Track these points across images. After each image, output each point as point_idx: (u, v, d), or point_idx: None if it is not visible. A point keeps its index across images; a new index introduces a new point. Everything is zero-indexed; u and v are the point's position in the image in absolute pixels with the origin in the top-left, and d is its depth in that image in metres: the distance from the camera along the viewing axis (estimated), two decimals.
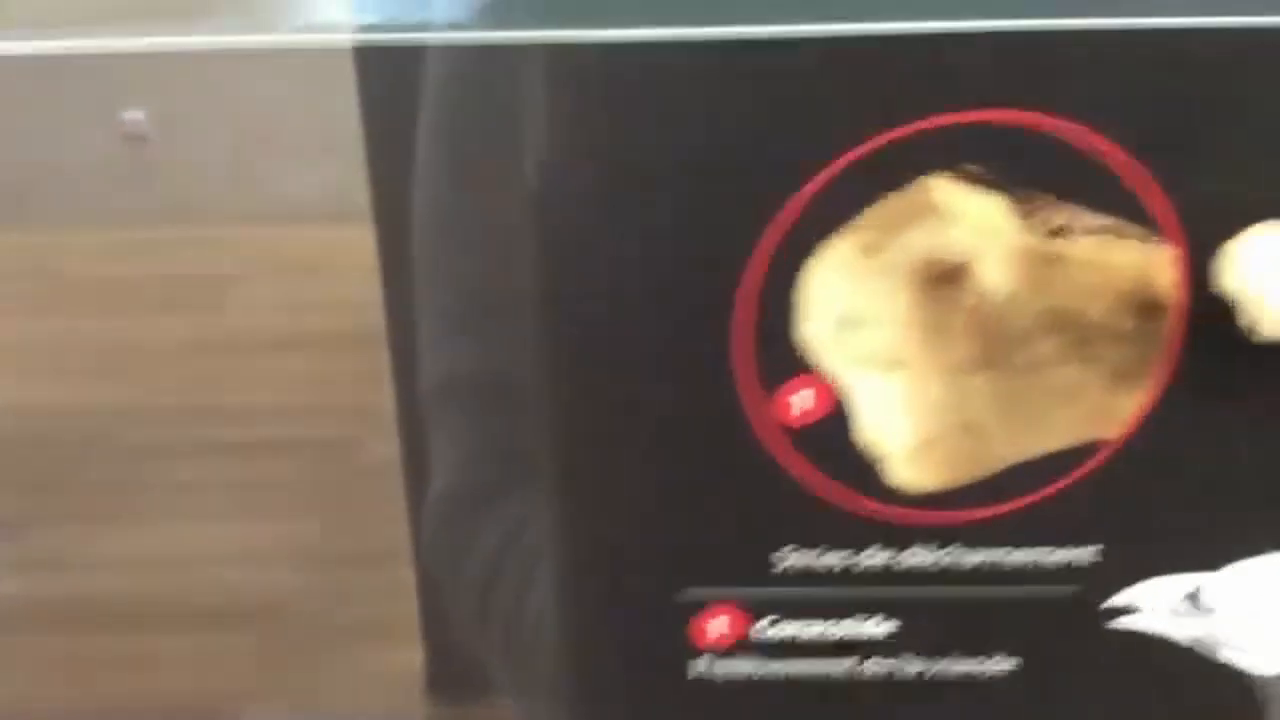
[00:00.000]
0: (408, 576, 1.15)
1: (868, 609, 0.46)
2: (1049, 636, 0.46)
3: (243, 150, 1.63)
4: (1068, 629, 0.46)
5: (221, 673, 1.47)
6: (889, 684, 0.46)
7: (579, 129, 0.43)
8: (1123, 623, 0.46)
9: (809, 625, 0.46)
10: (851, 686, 0.46)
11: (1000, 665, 0.46)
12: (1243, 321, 0.40)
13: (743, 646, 0.46)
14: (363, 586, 1.55)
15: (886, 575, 0.45)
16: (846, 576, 0.45)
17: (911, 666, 0.46)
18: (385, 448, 1.35)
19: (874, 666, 0.46)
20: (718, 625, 0.46)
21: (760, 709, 0.47)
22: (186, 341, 1.55)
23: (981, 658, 0.46)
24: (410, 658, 1.39)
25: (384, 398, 1.16)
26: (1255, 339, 0.41)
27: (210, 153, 1.64)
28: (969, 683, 0.46)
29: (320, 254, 1.57)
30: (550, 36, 0.42)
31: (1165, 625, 0.46)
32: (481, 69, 0.51)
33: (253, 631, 1.49)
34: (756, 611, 0.45)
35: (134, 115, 1.64)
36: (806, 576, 0.45)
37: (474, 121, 0.52)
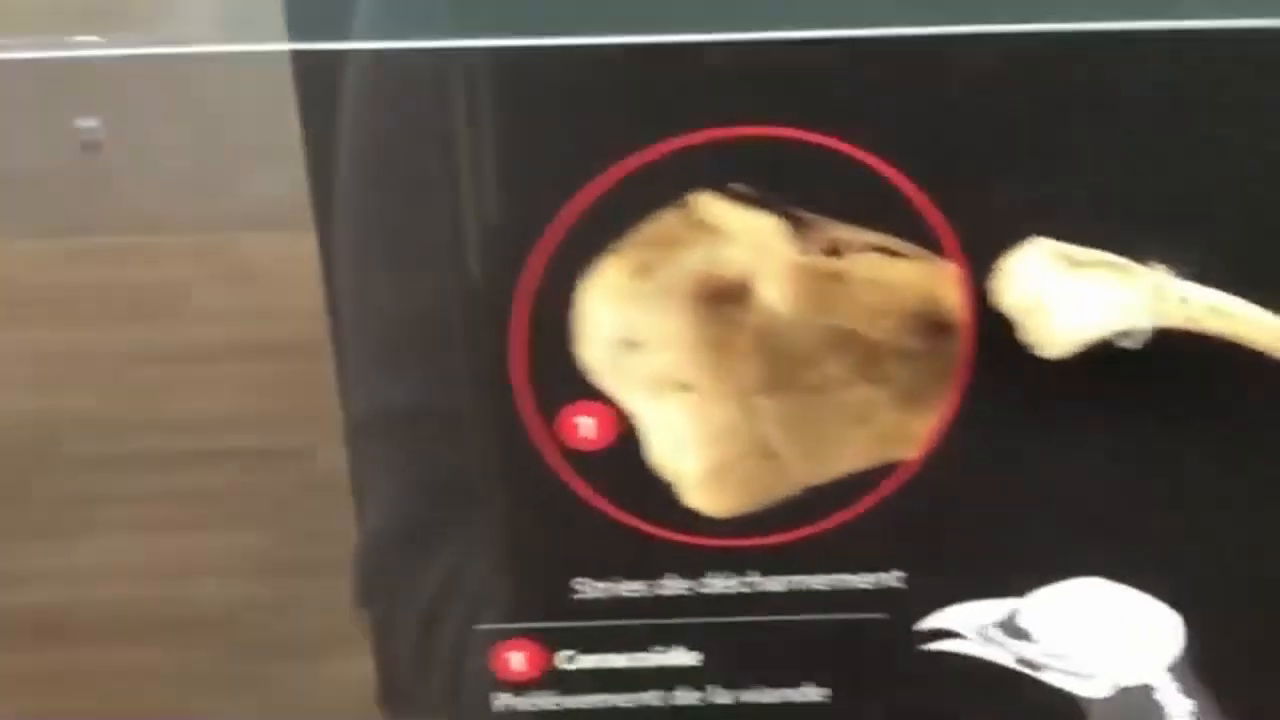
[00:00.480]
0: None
1: (671, 639, 0.44)
2: (860, 664, 0.45)
3: (200, 157, 1.62)
4: (879, 656, 0.45)
5: (174, 683, 1.46)
6: (701, 713, 0.45)
7: (357, 134, 0.42)
8: (939, 647, 0.45)
9: (611, 657, 0.44)
10: (663, 717, 0.45)
11: (811, 694, 0.45)
12: (1025, 339, 0.39)
13: (545, 680, 0.45)
14: (316, 596, 1.54)
15: (688, 604, 0.44)
16: (647, 606, 0.44)
17: (721, 698, 0.45)
18: (339, 457, 1.32)
19: (684, 697, 0.45)
20: (518, 659, 0.44)
21: None
22: (141, 350, 1.54)
23: (791, 687, 0.45)
24: (364, 667, 1.38)
25: (336, 406, 1.15)
26: (1041, 355, 0.39)
27: (167, 160, 1.62)
28: (783, 711, 0.45)
29: (276, 262, 1.56)
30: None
31: (983, 650, 0.45)
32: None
33: (206, 642, 1.48)
34: (555, 644, 0.44)
35: (89, 123, 1.63)
36: (606, 607, 0.44)
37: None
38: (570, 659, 0.44)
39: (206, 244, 1.73)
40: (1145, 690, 0.46)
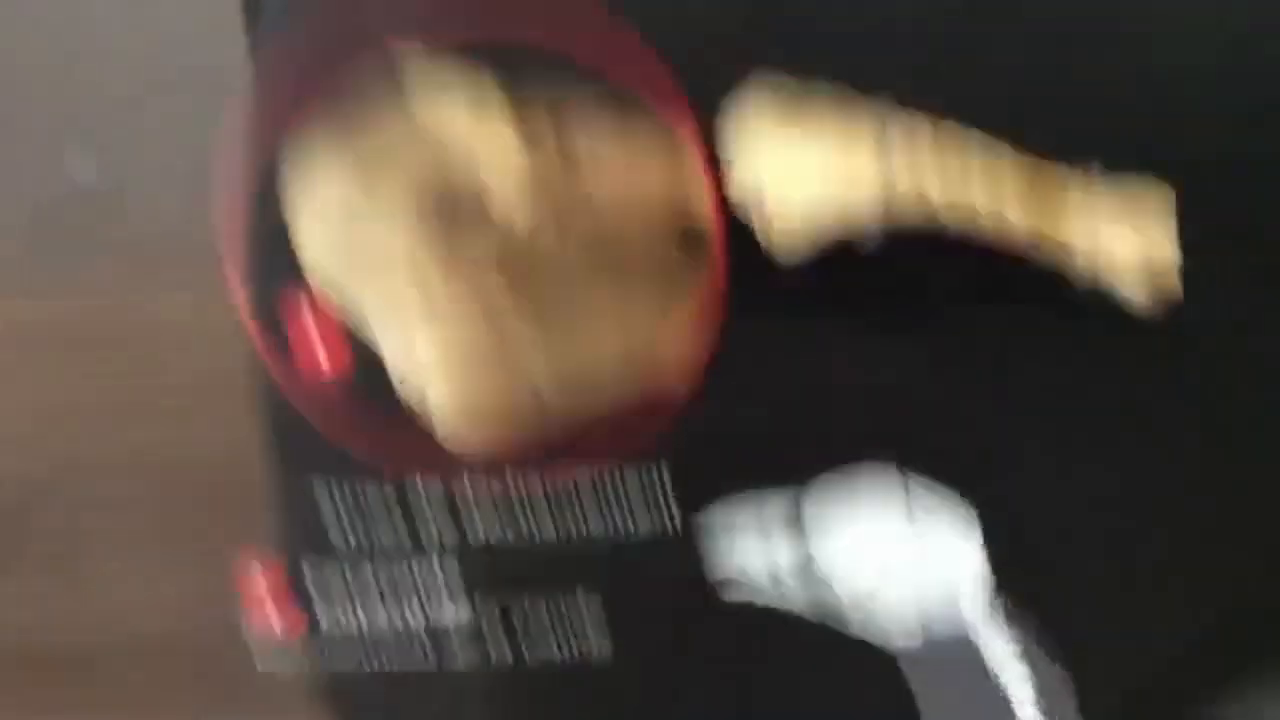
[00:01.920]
0: None
1: (441, 587, 0.42)
2: (647, 618, 0.42)
3: (192, 200, 1.60)
4: (669, 609, 0.42)
5: (166, 709, 1.43)
6: (482, 676, 0.42)
7: None
8: (734, 595, 0.42)
9: (377, 612, 0.42)
10: (442, 680, 0.42)
11: (595, 649, 0.42)
12: (760, 232, 0.36)
13: (311, 638, 0.42)
14: None
15: (457, 551, 0.41)
16: (414, 552, 0.41)
17: (502, 653, 0.42)
18: None
19: (463, 655, 0.42)
20: (274, 615, 0.42)
21: (348, 704, 0.43)
22: (133, 393, 1.52)
23: (574, 641, 0.42)
24: None
25: None
26: (780, 253, 0.36)
27: (160, 202, 1.61)
28: (570, 672, 0.42)
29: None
30: None
31: (780, 597, 0.42)
32: None
33: (196, 670, 1.45)
34: (316, 597, 0.42)
35: (81, 165, 1.63)
36: (368, 554, 0.41)
37: None
38: (336, 612, 0.41)
39: (199, 285, 1.71)
40: (958, 636, 0.43)
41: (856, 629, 0.42)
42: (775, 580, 0.42)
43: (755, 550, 0.42)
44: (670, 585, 0.41)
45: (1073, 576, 0.42)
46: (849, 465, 0.41)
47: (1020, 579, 0.42)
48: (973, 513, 0.42)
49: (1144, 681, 0.44)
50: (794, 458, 0.41)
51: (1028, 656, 0.43)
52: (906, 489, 0.42)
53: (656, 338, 0.39)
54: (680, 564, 0.41)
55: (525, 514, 0.41)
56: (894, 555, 0.42)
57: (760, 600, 0.42)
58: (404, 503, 0.40)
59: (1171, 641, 0.44)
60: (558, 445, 0.40)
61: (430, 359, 0.39)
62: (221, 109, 0.41)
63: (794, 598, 0.42)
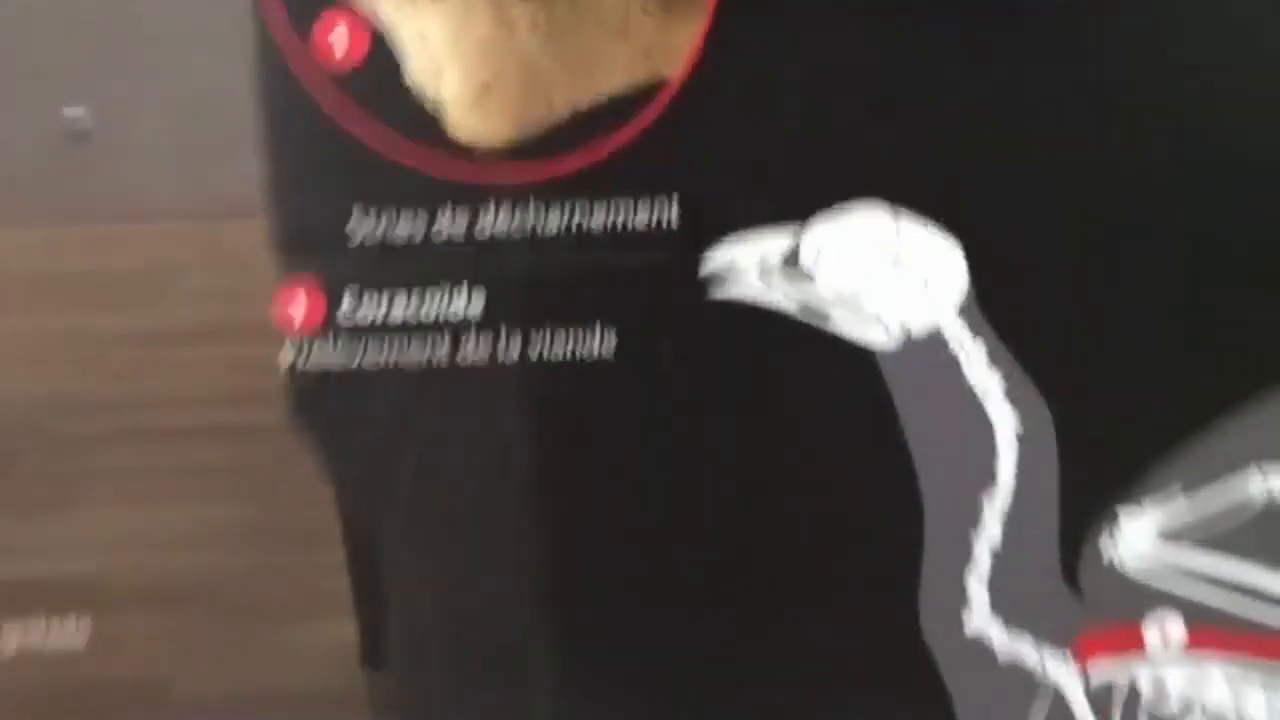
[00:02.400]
0: (338, 555, 1.14)
1: (453, 280, 0.44)
2: (645, 311, 0.44)
3: (186, 145, 1.64)
4: (664, 303, 0.44)
5: (156, 651, 1.46)
6: (496, 370, 0.44)
7: None
8: (723, 292, 0.44)
9: (395, 302, 0.44)
10: (456, 375, 0.44)
11: (599, 343, 0.44)
12: None
13: (330, 330, 0.44)
14: (296, 565, 1.55)
15: (468, 243, 0.43)
16: (427, 247, 0.43)
17: (510, 348, 0.44)
18: None
19: (473, 349, 0.44)
20: (298, 308, 0.44)
21: (370, 398, 0.45)
22: (124, 334, 1.55)
23: (578, 332, 0.44)
24: (344, 632, 1.38)
25: None
26: None
27: (153, 149, 1.65)
28: (577, 368, 0.44)
29: (260, 245, 1.56)
30: None
31: (766, 294, 0.44)
32: None
33: (188, 611, 1.48)
34: (336, 288, 0.44)
35: (75, 112, 1.65)
36: (385, 248, 0.43)
37: None
38: (355, 303, 0.44)
39: (195, 232, 1.75)
40: (935, 338, 0.45)
41: (839, 327, 0.45)
42: (764, 273, 0.44)
43: (746, 246, 0.44)
44: (669, 276, 0.43)
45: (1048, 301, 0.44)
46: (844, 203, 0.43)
47: (997, 296, 0.44)
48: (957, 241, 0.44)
49: (1114, 410, 0.46)
50: (793, 198, 0.43)
51: (999, 363, 0.46)
52: (895, 214, 0.44)
53: (654, 28, 0.41)
54: (676, 255, 0.43)
55: (534, 208, 0.43)
56: (877, 256, 0.45)
57: (749, 296, 0.44)
58: (418, 195, 0.43)
59: (1141, 372, 0.46)
60: (562, 136, 0.42)
61: (441, 47, 0.41)
62: None
63: (781, 294, 0.44)
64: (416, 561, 0.52)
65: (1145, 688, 0.48)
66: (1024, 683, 0.48)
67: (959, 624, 0.47)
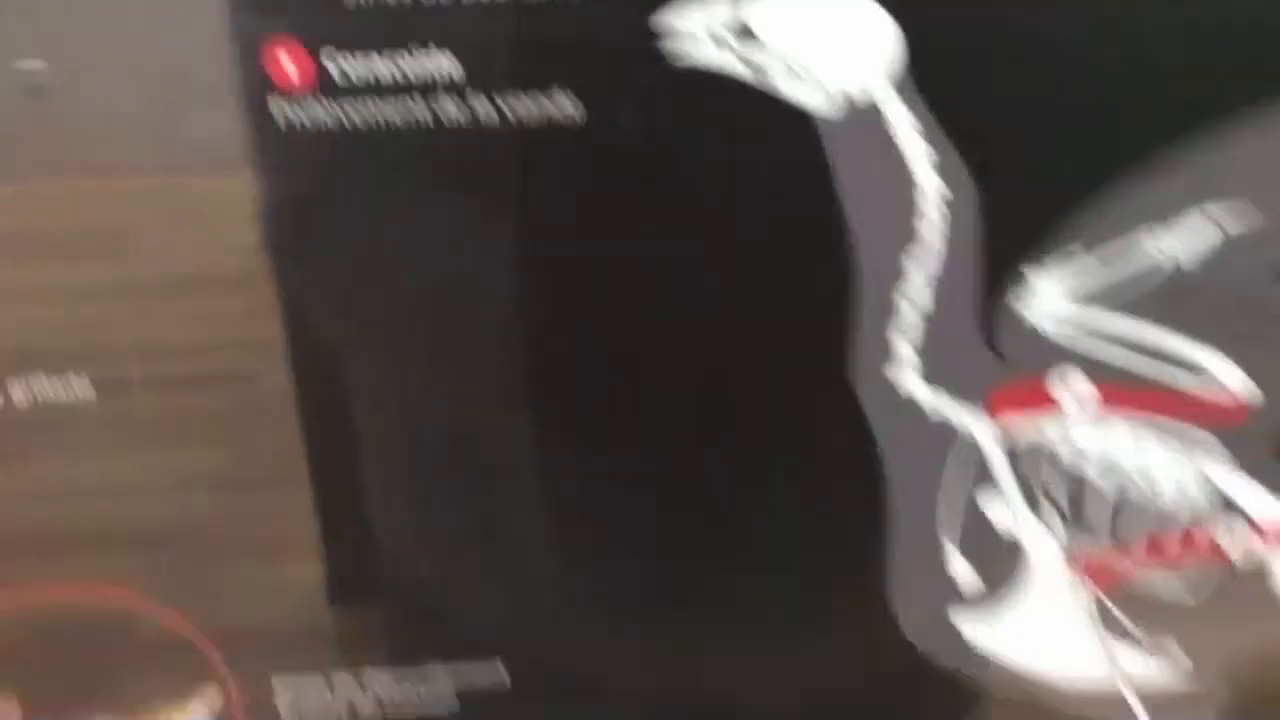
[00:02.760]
0: (304, 497, 1.19)
1: (433, 41, 0.46)
2: (610, 80, 0.48)
3: (146, 99, 1.66)
4: (630, 77, 0.48)
5: (124, 590, 1.50)
6: (468, 133, 0.47)
7: None
8: (682, 56, 0.48)
9: (378, 61, 0.46)
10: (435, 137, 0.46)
11: (567, 109, 0.47)
12: None
13: (320, 89, 0.47)
14: (262, 508, 1.59)
15: (453, 8, 0.46)
16: (415, 10, 0.46)
17: (485, 108, 0.47)
18: (279, 379, 1.40)
19: (450, 109, 0.47)
20: (287, 63, 0.47)
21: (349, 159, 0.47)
22: (87, 287, 1.58)
23: (547, 96, 0.46)
24: (311, 572, 1.44)
25: (277, 333, 1.22)
26: None
27: (113, 103, 1.67)
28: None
29: (222, 199, 1.60)
30: None
31: (718, 57, 0.48)
32: None
33: (156, 551, 1.53)
34: (322, 44, 0.46)
35: (32, 65, 1.67)
36: (375, 12, 0.46)
37: None
38: (340, 59, 0.46)
39: (157, 186, 1.77)
40: (873, 109, 0.49)
41: (785, 91, 0.49)
42: (717, 40, 0.48)
43: (697, 14, 0.48)
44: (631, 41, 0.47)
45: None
46: None
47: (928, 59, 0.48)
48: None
49: (1038, 185, 0.51)
50: None
51: (931, 138, 0.50)
52: None
53: None
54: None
55: None
56: (821, 22, 0.49)
57: (703, 61, 0.48)
58: None
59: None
60: None
61: None
62: None
63: (732, 59, 0.48)
64: (383, 383, 0.55)
65: (1060, 446, 0.53)
66: (944, 436, 0.54)
67: (884, 378, 0.53)
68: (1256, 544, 0.58)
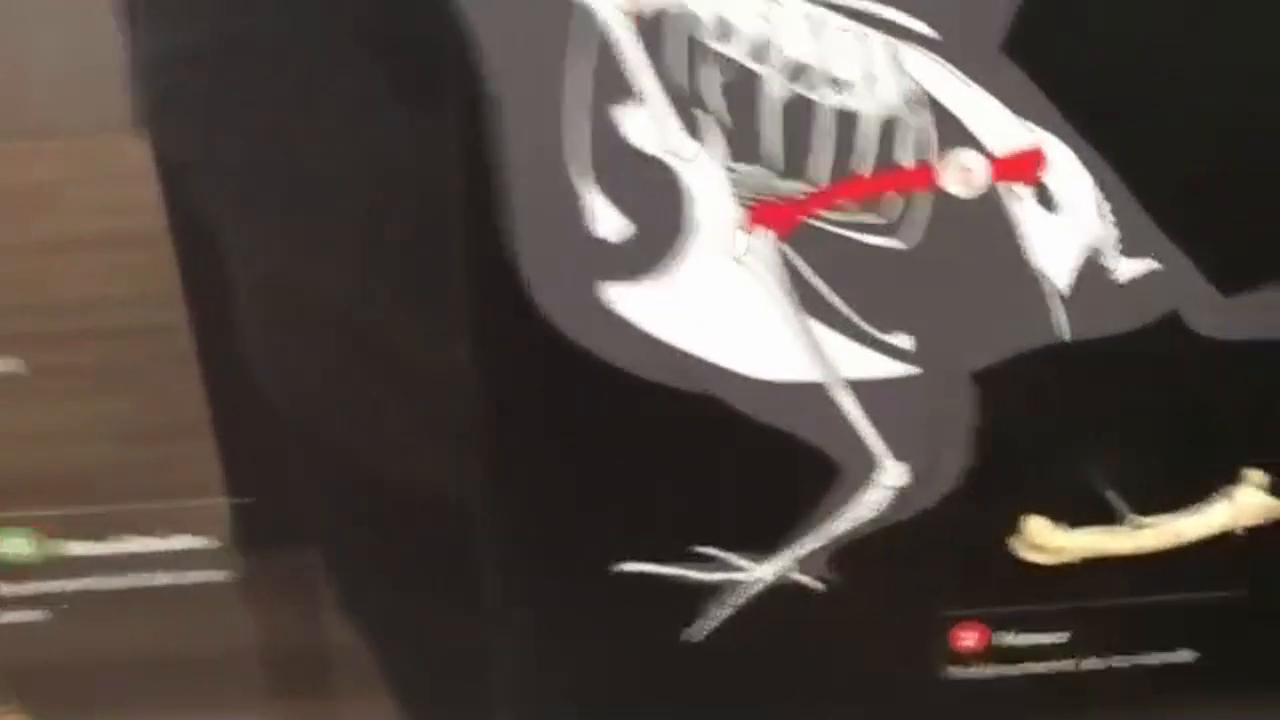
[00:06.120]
0: (209, 446, 1.18)
1: None
2: None
3: (73, 60, 1.60)
4: None
5: (30, 542, 1.45)
6: None
7: None
8: None
9: None
10: None
11: None
12: None
13: None
14: (176, 454, 1.57)
15: None
16: None
17: None
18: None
19: None
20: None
21: None
22: (18, 244, 1.56)
23: None
24: (215, 512, 1.40)
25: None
26: None
27: (34, 64, 1.61)
28: None
29: (144, 160, 1.55)
30: None
31: None
32: None
33: (78, 497, 1.50)
34: None
35: None
36: None
37: None
38: None
39: (83, 147, 1.74)
40: None
41: None
42: None
43: None
44: None
45: None
46: None
47: None
48: None
49: None
50: None
51: None
52: None
53: None
54: None
55: None
56: None
57: None
58: None
59: None
60: None
61: None
62: None
63: None
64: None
65: (703, 14, 0.40)
66: (557, 11, 0.40)
67: None
68: (978, 165, 0.43)
